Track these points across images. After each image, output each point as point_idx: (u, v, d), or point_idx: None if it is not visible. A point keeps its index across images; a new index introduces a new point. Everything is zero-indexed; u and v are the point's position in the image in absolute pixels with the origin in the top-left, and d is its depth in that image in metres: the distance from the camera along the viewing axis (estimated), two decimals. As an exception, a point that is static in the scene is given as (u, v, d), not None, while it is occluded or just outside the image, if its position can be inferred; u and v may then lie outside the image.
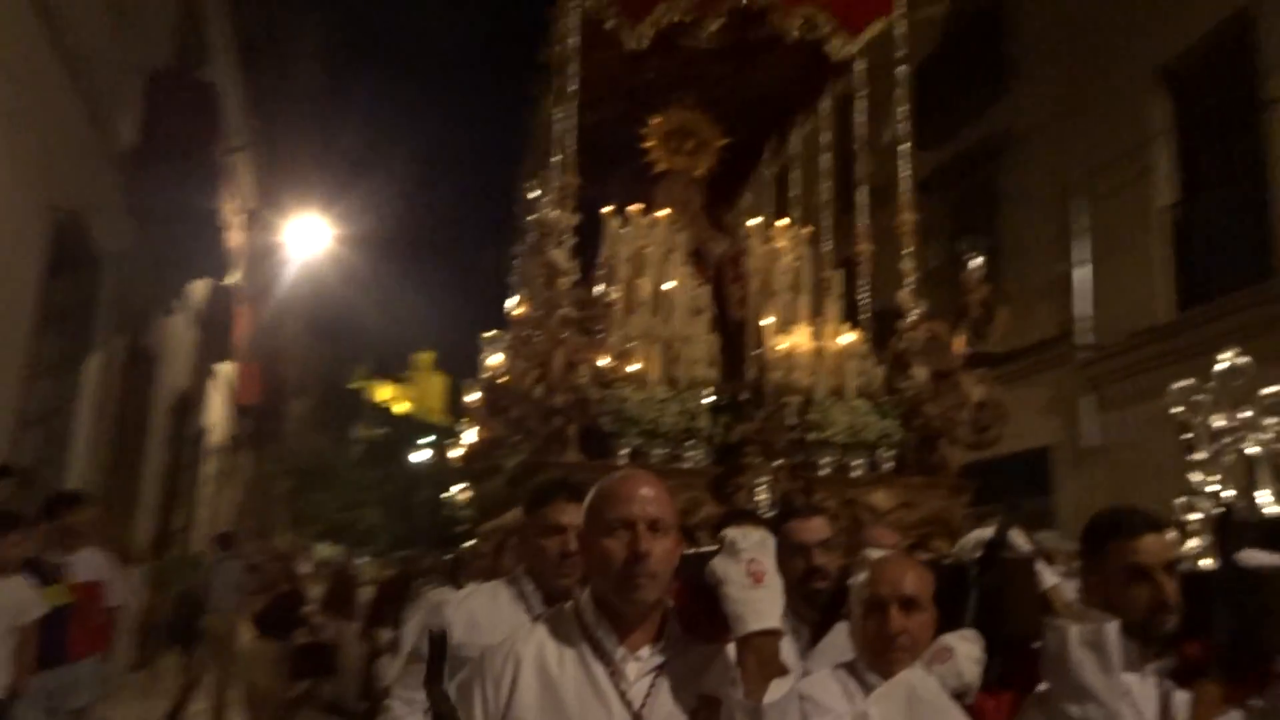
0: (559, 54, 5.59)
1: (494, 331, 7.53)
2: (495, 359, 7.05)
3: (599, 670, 1.79)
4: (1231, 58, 9.38)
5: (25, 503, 5.81)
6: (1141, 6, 10.36)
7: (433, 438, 38.34)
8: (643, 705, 1.76)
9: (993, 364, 5.84)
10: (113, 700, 7.83)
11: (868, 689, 2.16)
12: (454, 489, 14.13)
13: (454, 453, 9.28)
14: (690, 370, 5.33)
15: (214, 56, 11.98)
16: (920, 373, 5.52)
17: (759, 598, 1.78)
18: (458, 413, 14.07)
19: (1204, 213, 9.85)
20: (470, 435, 8.39)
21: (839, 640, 2.52)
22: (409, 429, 45.96)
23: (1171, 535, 2.15)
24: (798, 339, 5.62)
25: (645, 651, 1.82)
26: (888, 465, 5.42)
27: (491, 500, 6.50)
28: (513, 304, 6.42)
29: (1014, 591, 1.93)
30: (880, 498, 5.21)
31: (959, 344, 5.47)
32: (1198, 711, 2.05)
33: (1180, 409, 2.47)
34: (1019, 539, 1.99)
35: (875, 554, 2.46)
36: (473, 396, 8.39)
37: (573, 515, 2.30)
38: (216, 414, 16.49)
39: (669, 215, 6.26)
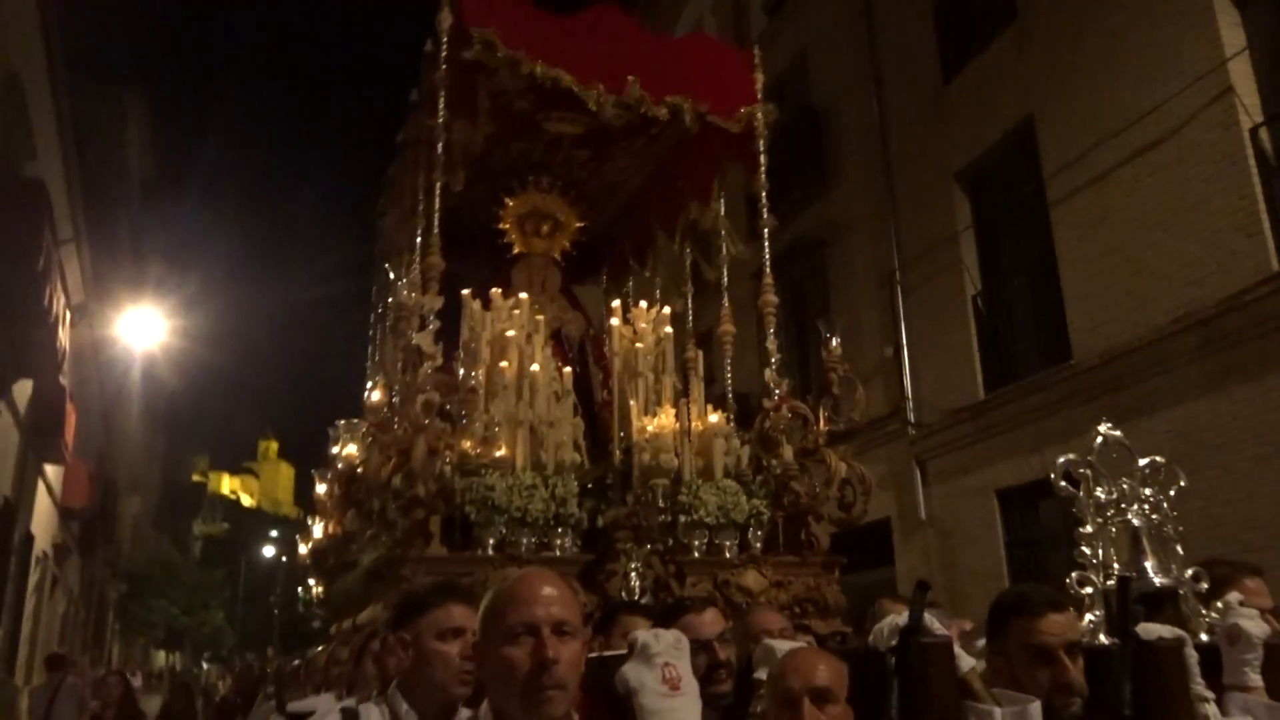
0: (428, 131, 5.44)
1: (345, 420, 7.19)
2: (349, 449, 6.71)
3: None
4: (1019, 162, 10.31)
5: None
6: (940, 116, 11.41)
7: (278, 532, 36.75)
8: None
9: (842, 440, 5.95)
10: None
11: None
12: (304, 586, 13.36)
13: (304, 548, 8.75)
14: (557, 455, 5.19)
15: (41, 151, 11.25)
16: (787, 450, 5.56)
17: (677, 706, 1.66)
18: (307, 504, 13.40)
19: (1004, 301, 10.75)
20: (319, 529, 7.93)
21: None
22: (255, 523, 43.85)
23: (1071, 614, 2.16)
24: (663, 420, 5.57)
25: None
26: (757, 546, 5.39)
27: (344, 598, 6.11)
28: (369, 389, 6.12)
29: (936, 676, 1.88)
30: (752, 579, 5.15)
31: (824, 421, 5.56)
32: None
33: (1063, 484, 2.51)
34: (934, 622, 1.95)
35: (779, 644, 2.36)
36: (322, 488, 7.95)
37: (466, 618, 2.11)
38: (43, 520, 15.18)
39: (529, 297, 6.17)
